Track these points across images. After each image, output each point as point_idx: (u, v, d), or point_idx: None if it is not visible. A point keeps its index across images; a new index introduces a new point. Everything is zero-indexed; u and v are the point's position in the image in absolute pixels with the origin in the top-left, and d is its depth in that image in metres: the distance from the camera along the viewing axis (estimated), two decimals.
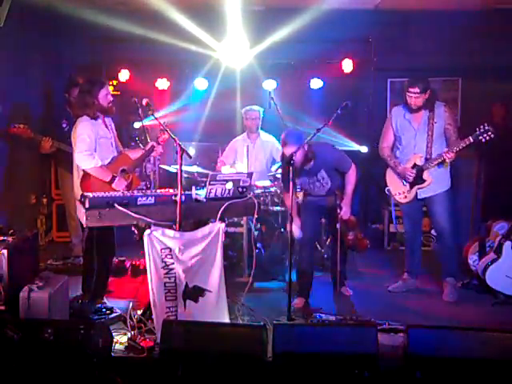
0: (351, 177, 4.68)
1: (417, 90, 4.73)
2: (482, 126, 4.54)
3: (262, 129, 6.12)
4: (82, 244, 4.52)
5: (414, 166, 4.83)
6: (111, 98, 4.48)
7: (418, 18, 6.75)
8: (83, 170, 4.32)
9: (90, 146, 4.30)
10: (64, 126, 5.65)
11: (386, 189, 5.10)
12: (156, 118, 4.30)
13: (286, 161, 4.32)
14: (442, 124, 4.78)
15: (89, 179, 4.30)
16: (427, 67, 6.61)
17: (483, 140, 4.56)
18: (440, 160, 4.74)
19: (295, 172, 4.31)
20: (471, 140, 4.59)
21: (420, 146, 4.82)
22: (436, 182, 4.81)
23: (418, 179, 4.82)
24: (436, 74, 6.81)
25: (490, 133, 4.51)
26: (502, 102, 6.55)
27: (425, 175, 4.79)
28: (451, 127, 4.77)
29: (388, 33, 6.85)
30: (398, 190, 4.97)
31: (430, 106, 4.79)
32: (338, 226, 4.53)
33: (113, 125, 4.64)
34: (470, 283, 5.14)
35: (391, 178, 5.03)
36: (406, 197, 4.93)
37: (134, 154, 4.66)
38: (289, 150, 4.36)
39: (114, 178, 4.35)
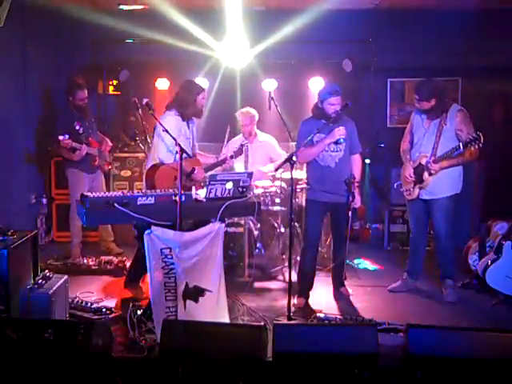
0: (358, 161, 4.81)
1: (416, 96, 4.73)
2: (473, 135, 4.47)
3: (260, 130, 6.13)
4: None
5: (419, 165, 4.82)
6: (204, 103, 4.71)
7: (418, 18, 6.73)
8: (156, 163, 4.39)
9: (173, 141, 4.34)
10: (77, 128, 5.63)
11: (397, 183, 5.13)
12: (156, 118, 4.31)
13: (286, 158, 4.32)
14: (453, 128, 4.72)
15: (155, 172, 4.36)
16: (427, 67, 6.61)
17: (472, 148, 4.51)
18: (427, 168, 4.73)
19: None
20: (460, 147, 4.55)
21: (427, 146, 4.80)
22: (436, 186, 4.78)
23: (419, 178, 4.83)
24: (436, 74, 6.81)
25: (478, 142, 4.43)
26: (502, 102, 6.55)
27: (425, 175, 4.78)
28: (462, 133, 4.66)
29: (388, 33, 6.84)
30: (405, 185, 5.00)
31: (441, 111, 4.73)
32: (349, 214, 4.56)
33: (195, 128, 4.78)
34: (470, 283, 5.14)
35: (403, 174, 5.04)
36: (410, 194, 4.95)
37: (205, 160, 4.85)
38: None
39: (193, 169, 4.48)
